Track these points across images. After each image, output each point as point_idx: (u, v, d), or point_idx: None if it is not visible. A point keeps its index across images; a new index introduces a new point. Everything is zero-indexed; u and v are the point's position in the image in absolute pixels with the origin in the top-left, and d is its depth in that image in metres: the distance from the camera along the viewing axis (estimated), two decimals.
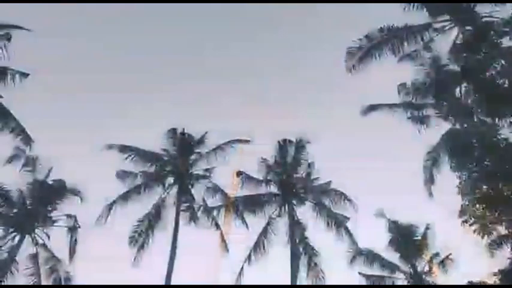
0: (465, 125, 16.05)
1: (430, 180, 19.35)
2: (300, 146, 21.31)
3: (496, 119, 12.92)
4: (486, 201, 11.37)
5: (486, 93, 12.19)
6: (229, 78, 45.30)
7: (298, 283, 18.22)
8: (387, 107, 19.66)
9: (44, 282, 19.28)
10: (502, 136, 11.81)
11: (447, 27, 16.61)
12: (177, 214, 19.25)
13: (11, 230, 19.27)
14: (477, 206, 11.60)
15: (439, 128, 18.51)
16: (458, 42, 14.66)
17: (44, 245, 19.82)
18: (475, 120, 16.05)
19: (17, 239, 19.06)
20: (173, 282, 17.54)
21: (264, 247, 19.61)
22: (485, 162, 11.50)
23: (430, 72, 18.64)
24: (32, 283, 18.95)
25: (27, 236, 19.37)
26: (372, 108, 19.87)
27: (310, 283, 18.89)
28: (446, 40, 16.50)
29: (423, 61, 18.51)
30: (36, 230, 19.88)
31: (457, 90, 17.65)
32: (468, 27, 15.00)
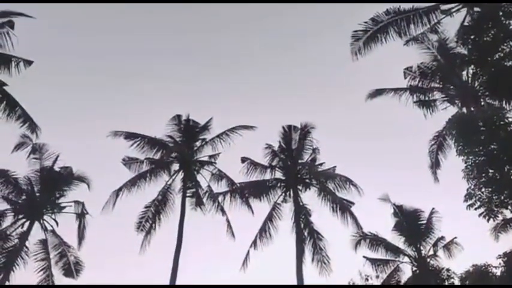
0: (472, 109, 15.91)
1: (435, 164, 19.33)
2: (305, 131, 21.26)
3: (504, 102, 12.79)
4: (492, 184, 11.33)
5: (494, 76, 12.01)
6: (234, 66, 45.08)
7: (303, 268, 18.39)
8: (393, 91, 19.51)
9: (54, 267, 19.70)
10: (509, 119, 11.69)
11: (455, 9, 16.31)
12: (183, 200, 19.44)
13: (21, 216, 19.58)
14: (483, 189, 11.58)
15: (445, 111, 18.38)
16: (466, 24, 14.38)
17: (53, 231, 20.14)
18: (482, 103, 15.90)
19: (26, 225, 19.38)
20: (180, 267, 17.80)
21: (269, 232, 19.79)
22: (492, 146, 11.42)
23: (437, 56, 18.43)
24: (42, 268, 19.34)
25: (36, 222, 19.67)
26: (378, 92, 19.72)
27: (315, 267, 19.09)
28: (454, 22, 16.22)
29: (430, 44, 18.27)
30: (45, 217, 20.16)
31: (464, 73, 17.46)
32: (476, 9, 14.72)
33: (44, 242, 19.80)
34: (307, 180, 20.67)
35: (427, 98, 18.82)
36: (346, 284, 21.87)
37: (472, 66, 14.42)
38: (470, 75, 17.14)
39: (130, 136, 20.19)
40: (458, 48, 16.21)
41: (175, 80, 41.93)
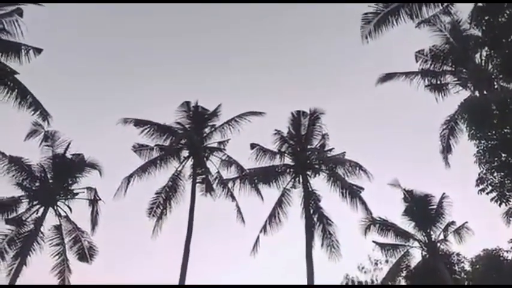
0: (485, 92, 15.59)
1: (447, 149, 19.07)
2: (314, 117, 21.12)
3: None
4: (505, 169, 11.20)
5: (508, 58, 11.71)
6: (236, 64, 45.10)
7: (313, 253, 18.51)
8: (404, 75, 19.18)
9: (68, 252, 20.15)
10: None
11: None
12: (193, 186, 19.60)
13: (35, 202, 19.99)
14: (495, 174, 11.45)
15: (457, 95, 18.05)
16: (480, 4, 13.94)
17: (67, 217, 20.53)
18: (496, 86, 15.56)
19: (41, 211, 19.78)
20: (190, 252, 18.06)
21: (279, 218, 19.89)
22: (505, 130, 11.24)
23: (450, 38, 18.01)
24: (58, 253, 19.83)
25: (50, 208, 20.06)
26: (388, 77, 19.41)
27: (325, 252, 19.23)
28: (467, 3, 15.74)
29: (442, 26, 17.83)
30: (59, 203, 20.52)
31: (478, 55, 17.05)
32: None
33: (58, 228, 20.21)
34: (316, 166, 20.63)
35: (438, 82, 18.46)
36: (354, 272, 22.01)
37: (486, 48, 14.10)
38: (483, 58, 16.73)
39: (139, 123, 20.31)
40: (472, 30, 15.82)
41: (176, 79, 42.25)
